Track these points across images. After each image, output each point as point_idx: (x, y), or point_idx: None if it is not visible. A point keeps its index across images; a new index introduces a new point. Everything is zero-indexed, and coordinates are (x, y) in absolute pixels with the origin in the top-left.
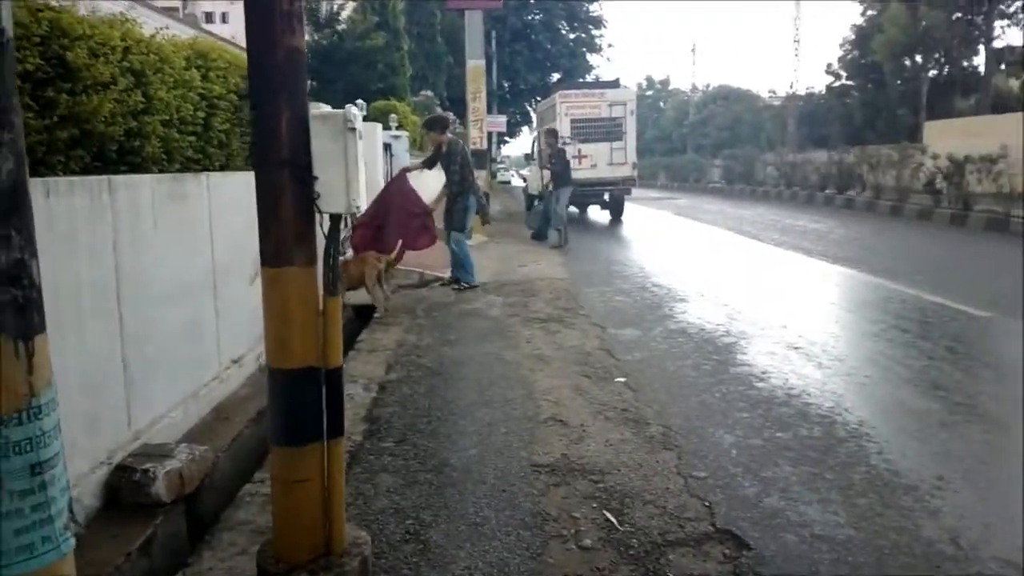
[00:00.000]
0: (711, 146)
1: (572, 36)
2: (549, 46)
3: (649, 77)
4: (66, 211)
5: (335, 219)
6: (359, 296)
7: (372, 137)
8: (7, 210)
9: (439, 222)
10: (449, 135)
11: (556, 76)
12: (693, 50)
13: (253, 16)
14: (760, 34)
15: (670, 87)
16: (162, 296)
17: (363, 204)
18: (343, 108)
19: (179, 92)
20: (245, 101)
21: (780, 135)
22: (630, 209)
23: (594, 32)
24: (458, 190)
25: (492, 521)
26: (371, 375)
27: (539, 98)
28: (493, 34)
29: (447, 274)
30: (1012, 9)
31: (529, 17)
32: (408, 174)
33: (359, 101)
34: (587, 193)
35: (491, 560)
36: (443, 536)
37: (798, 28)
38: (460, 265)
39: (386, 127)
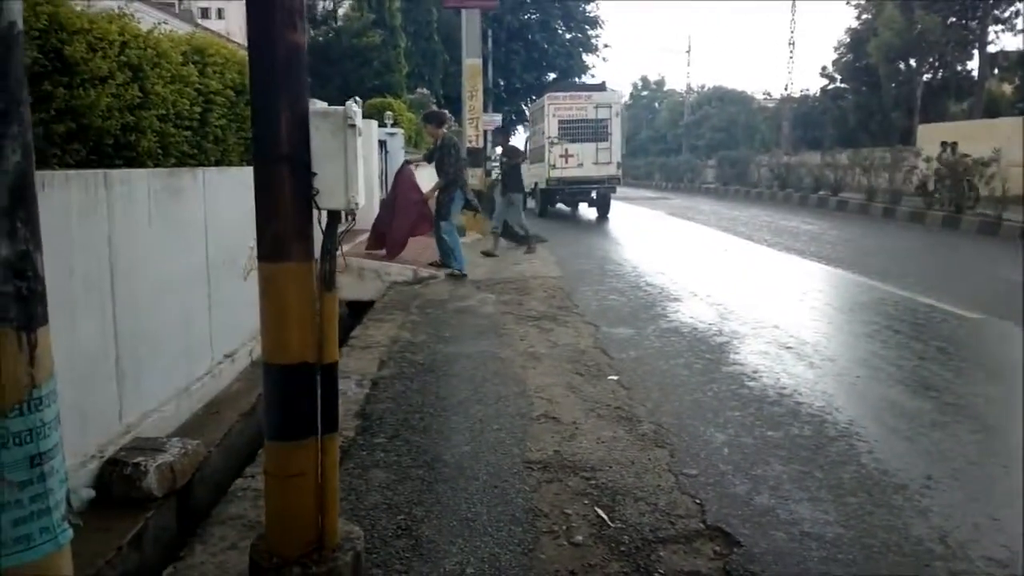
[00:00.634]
0: (706, 147)
1: (568, 36)
2: (545, 46)
3: (644, 77)
4: (61, 204)
5: (333, 215)
6: (354, 291)
7: (368, 134)
8: (14, 202)
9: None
10: (444, 130)
11: (552, 76)
12: (688, 51)
13: (254, 10)
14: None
15: (665, 87)
16: (156, 290)
17: (362, 200)
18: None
19: (176, 87)
20: (242, 96)
21: (775, 137)
22: (624, 209)
23: (590, 32)
24: (448, 182)
25: (484, 517)
26: (364, 371)
27: (534, 97)
28: (489, 33)
29: (442, 272)
30: (1007, 14)
31: (526, 16)
32: (410, 166)
33: (356, 98)
34: (574, 191)
35: (482, 555)
36: (435, 531)
37: (793, 30)
38: (449, 253)
39: (381, 124)
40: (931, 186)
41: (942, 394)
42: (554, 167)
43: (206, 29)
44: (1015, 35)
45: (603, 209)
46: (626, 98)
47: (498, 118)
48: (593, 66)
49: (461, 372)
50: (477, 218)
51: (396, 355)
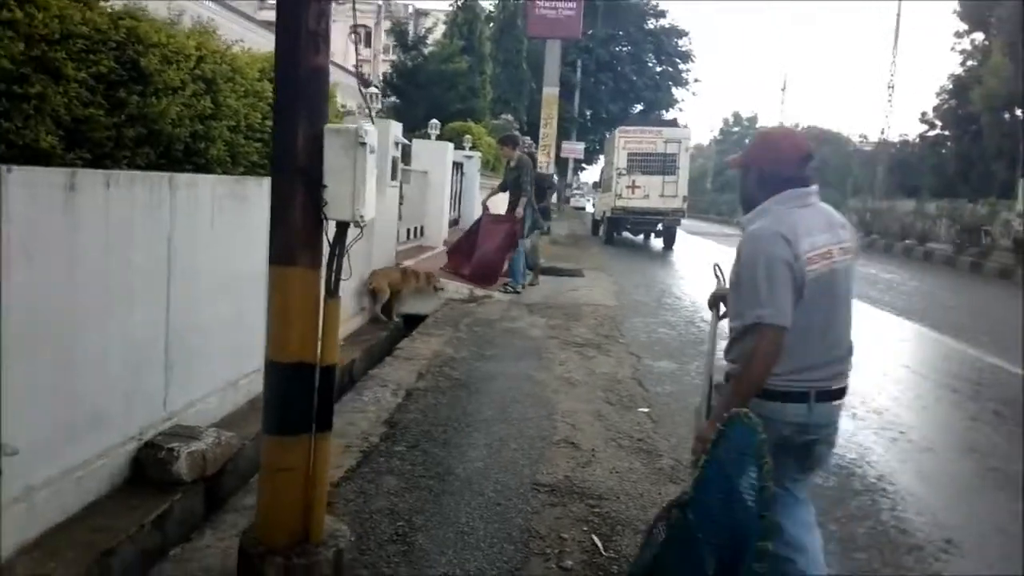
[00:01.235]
0: None
1: (659, 69)
2: (634, 77)
3: (736, 113)
4: (124, 201)
5: (341, 226)
6: (411, 305)
7: (442, 156)
8: None
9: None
10: (519, 152)
11: (639, 107)
12: (783, 88)
13: (281, 33)
14: (853, 78)
15: (757, 124)
16: (212, 288)
17: (369, 214)
18: (426, 127)
19: (249, 101)
20: None
21: (869, 181)
22: (697, 243)
23: (681, 66)
24: (526, 200)
25: (480, 532)
26: (401, 381)
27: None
28: (579, 63)
29: (496, 292)
30: None
31: (617, 48)
32: (488, 204)
33: (433, 121)
34: (639, 221)
35: (470, 568)
36: (429, 540)
37: (893, 74)
38: (518, 272)
39: (460, 147)
40: None
41: (986, 458)
42: (620, 196)
43: None
44: None
45: (669, 240)
46: (694, 139)
47: (581, 146)
48: (682, 100)
49: (493, 390)
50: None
51: (435, 369)
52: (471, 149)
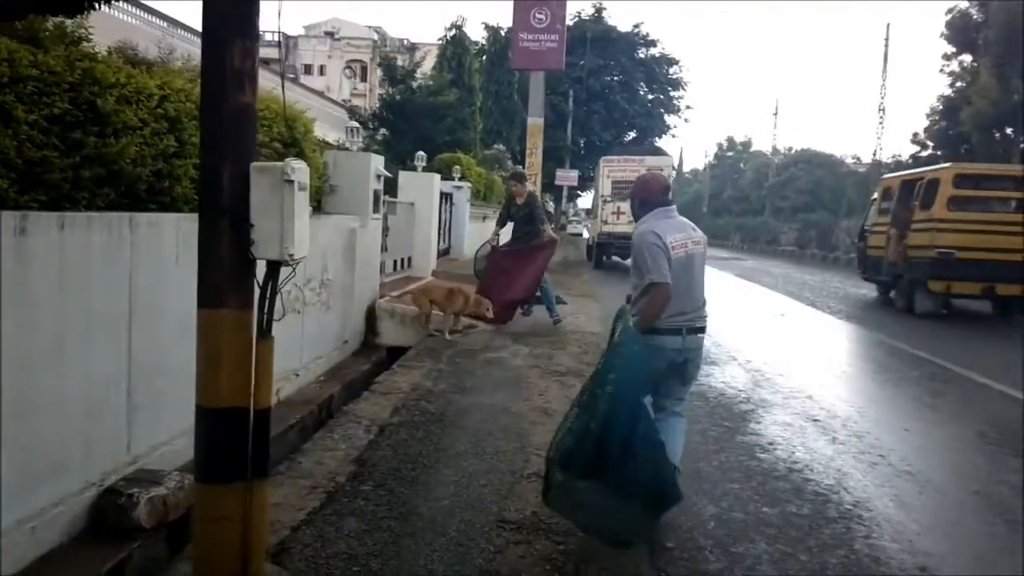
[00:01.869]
0: (790, 209)
1: (650, 97)
2: (626, 106)
3: (730, 137)
4: (81, 243)
5: (272, 265)
6: (394, 337)
7: (429, 187)
8: None
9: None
10: (528, 187)
11: (632, 135)
12: (775, 113)
13: (206, 73)
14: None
15: (751, 148)
16: (177, 329)
17: (300, 252)
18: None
19: None
20: (290, 149)
21: (863, 201)
22: None
23: (673, 93)
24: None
25: (438, 574)
26: (375, 416)
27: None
28: (571, 93)
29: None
30: None
31: (608, 78)
32: (492, 242)
33: (419, 153)
34: (623, 245)
35: None
36: None
37: (883, 97)
38: (553, 302)
39: (449, 178)
40: None
41: (968, 481)
42: (605, 223)
43: (302, 85)
44: None
45: None
46: (675, 165)
47: (575, 174)
48: (675, 126)
49: (468, 424)
50: None
51: (411, 403)
52: (460, 179)
